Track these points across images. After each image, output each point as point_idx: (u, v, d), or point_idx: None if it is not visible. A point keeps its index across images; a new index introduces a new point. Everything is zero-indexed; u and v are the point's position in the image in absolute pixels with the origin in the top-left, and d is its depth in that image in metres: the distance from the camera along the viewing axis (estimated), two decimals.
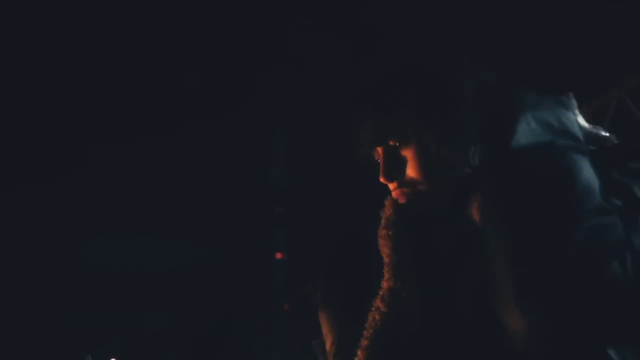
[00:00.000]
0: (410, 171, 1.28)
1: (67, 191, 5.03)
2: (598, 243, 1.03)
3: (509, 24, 3.26)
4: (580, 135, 1.13)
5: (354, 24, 4.36)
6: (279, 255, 5.63)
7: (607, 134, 1.32)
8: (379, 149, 1.32)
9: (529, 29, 3.32)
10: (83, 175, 5.05)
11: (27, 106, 4.81)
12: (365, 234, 1.39)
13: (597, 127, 1.33)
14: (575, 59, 3.24)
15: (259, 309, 5.58)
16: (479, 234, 1.14)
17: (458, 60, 1.31)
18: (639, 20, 3.13)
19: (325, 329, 1.40)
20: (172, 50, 4.74)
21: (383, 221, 1.32)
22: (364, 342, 1.27)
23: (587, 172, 1.08)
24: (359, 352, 1.27)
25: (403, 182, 1.28)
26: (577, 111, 1.19)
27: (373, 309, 1.28)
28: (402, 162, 1.28)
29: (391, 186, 1.30)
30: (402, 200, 1.30)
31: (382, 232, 1.31)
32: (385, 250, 1.29)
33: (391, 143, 1.29)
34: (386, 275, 1.28)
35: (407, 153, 1.28)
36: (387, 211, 1.32)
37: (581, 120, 1.20)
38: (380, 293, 1.28)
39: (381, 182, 1.33)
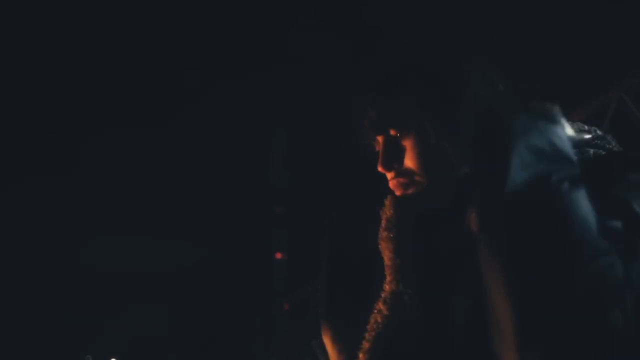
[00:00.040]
0: (409, 162, 1.29)
1: (67, 191, 5.03)
2: (597, 289, 1.03)
3: (509, 24, 3.26)
4: (572, 155, 1.12)
5: (354, 24, 4.36)
6: (279, 255, 5.63)
7: (600, 136, 1.31)
8: (379, 138, 1.33)
9: (529, 29, 3.32)
10: (83, 176, 5.05)
11: (26, 105, 4.80)
12: (366, 234, 1.39)
13: (592, 128, 1.33)
14: (575, 59, 3.24)
15: (259, 309, 5.58)
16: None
17: (459, 58, 1.31)
18: (639, 20, 3.13)
19: (327, 338, 1.39)
20: (171, 50, 4.74)
21: (384, 222, 1.32)
22: (366, 345, 1.27)
23: (584, 205, 1.07)
24: (361, 355, 1.27)
25: (401, 172, 1.29)
26: (564, 122, 1.18)
27: (375, 311, 1.28)
28: (401, 152, 1.29)
29: (389, 176, 1.31)
30: (398, 191, 1.31)
31: (382, 234, 1.31)
32: (386, 252, 1.29)
33: (392, 133, 1.30)
34: (388, 278, 1.28)
35: (407, 143, 1.29)
36: (387, 211, 1.32)
37: (569, 131, 1.19)
38: (382, 295, 1.28)
39: (381, 181, 1.33)
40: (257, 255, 5.59)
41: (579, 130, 1.30)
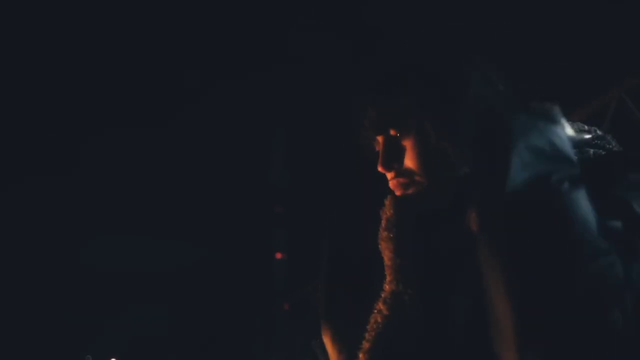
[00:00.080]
0: (409, 162, 1.29)
1: (67, 191, 5.03)
2: (597, 289, 1.02)
3: (509, 24, 3.26)
4: (572, 155, 1.12)
5: (354, 24, 4.36)
6: (279, 255, 5.63)
7: (600, 136, 1.31)
8: (379, 138, 1.33)
9: (528, 29, 3.32)
10: (83, 176, 5.05)
11: (26, 105, 4.80)
12: (366, 234, 1.39)
13: (592, 128, 1.33)
14: (575, 59, 3.24)
15: (259, 309, 5.58)
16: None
17: (459, 58, 1.31)
18: (639, 20, 3.13)
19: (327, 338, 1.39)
20: (171, 50, 4.74)
21: (384, 222, 1.32)
22: (366, 345, 1.27)
23: (584, 205, 1.06)
24: (360, 355, 1.27)
25: (401, 172, 1.29)
26: (564, 122, 1.18)
27: (375, 311, 1.28)
28: (401, 152, 1.29)
29: (389, 176, 1.31)
30: (398, 191, 1.31)
31: (382, 234, 1.31)
32: (386, 252, 1.29)
33: (392, 132, 1.31)
34: (388, 278, 1.28)
35: (407, 143, 1.29)
36: (387, 211, 1.32)
37: (569, 131, 1.19)
38: (382, 295, 1.28)
39: (381, 181, 1.33)
40: (257, 255, 5.59)
41: (579, 130, 1.30)
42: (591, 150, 1.26)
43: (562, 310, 1.02)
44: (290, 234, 5.61)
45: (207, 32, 4.72)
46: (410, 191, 1.29)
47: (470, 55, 1.31)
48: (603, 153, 1.26)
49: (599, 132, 1.32)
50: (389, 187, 1.32)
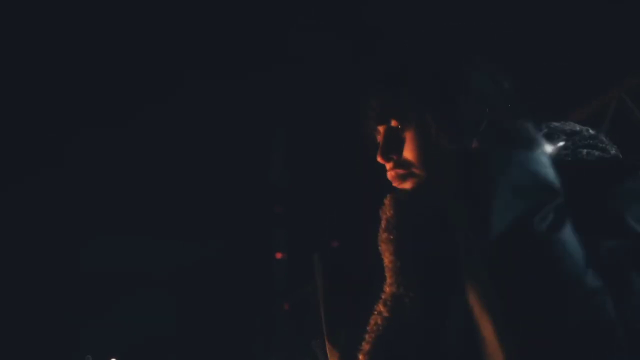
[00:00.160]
0: (408, 154, 1.29)
1: (67, 191, 5.03)
2: (590, 333, 1.00)
3: (509, 23, 3.26)
4: (555, 181, 1.08)
5: (354, 24, 4.36)
6: (279, 255, 5.63)
7: (593, 135, 1.31)
8: (381, 128, 1.33)
9: (528, 29, 3.32)
10: (83, 176, 5.05)
11: (25, 105, 4.80)
12: (366, 234, 1.39)
13: (585, 127, 1.33)
14: (575, 59, 3.24)
15: (259, 309, 5.58)
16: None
17: (459, 56, 1.32)
18: (639, 20, 3.13)
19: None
20: (172, 50, 4.74)
21: (383, 223, 1.31)
22: (366, 346, 1.27)
23: (570, 241, 1.03)
24: (360, 356, 1.27)
25: (399, 163, 1.30)
26: (543, 140, 1.15)
27: (375, 312, 1.28)
28: (401, 143, 1.30)
29: (387, 166, 1.32)
30: (395, 182, 1.31)
31: (382, 235, 1.30)
32: (386, 254, 1.29)
33: (393, 123, 1.31)
34: (389, 280, 1.28)
35: (408, 135, 1.29)
36: (387, 212, 1.32)
37: (549, 148, 1.16)
38: (383, 297, 1.28)
39: (381, 178, 1.33)
40: (257, 255, 5.59)
41: (571, 132, 1.29)
42: (584, 151, 1.26)
43: (555, 356, 1.00)
44: (290, 234, 5.61)
45: (207, 32, 4.72)
46: (407, 183, 1.30)
47: (471, 54, 1.31)
48: (597, 153, 1.26)
49: (591, 131, 1.31)
50: (388, 188, 1.32)
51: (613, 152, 1.30)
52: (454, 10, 3.31)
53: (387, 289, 1.27)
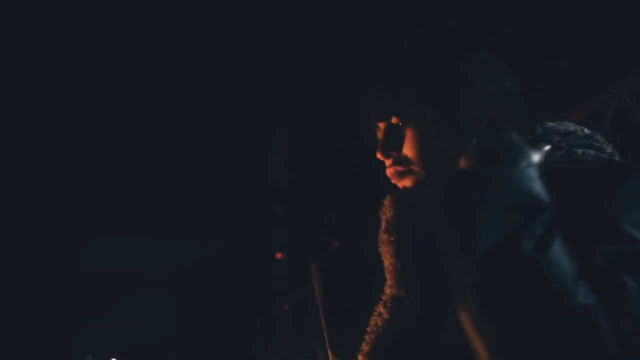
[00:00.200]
0: (407, 151, 1.29)
1: (67, 191, 5.03)
2: (581, 351, 0.99)
3: (509, 23, 3.26)
4: (542, 194, 1.06)
5: (354, 24, 4.36)
6: (279, 255, 5.63)
7: (588, 135, 1.30)
8: (381, 125, 1.34)
9: (528, 29, 3.32)
10: (84, 176, 5.05)
11: (25, 105, 4.81)
12: (365, 235, 1.39)
13: (580, 127, 1.32)
14: (575, 59, 3.24)
15: (259, 309, 5.58)
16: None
17: (460, 56, 1.31)
18: (639, 20, 3.13)
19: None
20: (171, 50, 4.74)
21: (383, 224, 1.31)
22: (365, 347, 1.27)
23: (559, 257, 1.01)
24: (360, 357, 1.27)
25: (398, 160, 1.30)
26: (528, 149, 1.12)
27: (375, 314, 1.28)
28: (401, 140, 1.30)
29: (386, 163, 1.32)
30: (394, 179, 1.31)
31: (383, 237, 1.30)
32: (387, 256, 1.29)
33: (394, 120, 1.31)
34: (389, 282, 1.28)
35: (408, 133, 1.29)
36: (387, 213, 1.32)
37: (537, 157, 1.12)
38: (383, 299, 1.28)
39: (381, 181, 1.33)
40: (257, 255, 5.59)
41: (566, 132, 1.29)
42: (579, 151, 1.25)
43: None
44: (290, 234, 5.61)
45: (207, 31, 4.72)
46: (406, 180, 1.29)
47: (472, 53, 1.31)
48: (592, 152, 1.25)
49: (586, 131, 1.31)
50: (388, 188, 1.32)
51: (609, 150, 1.29)
52: (454, 10, 3.31)
53: (387, 290, 1.27)
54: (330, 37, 4.54)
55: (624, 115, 3.10)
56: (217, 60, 4.78)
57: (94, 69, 4.73)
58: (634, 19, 3.15)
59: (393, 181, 1.32)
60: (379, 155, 1.32)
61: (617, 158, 1.29)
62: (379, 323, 1.26)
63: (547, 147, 1.19)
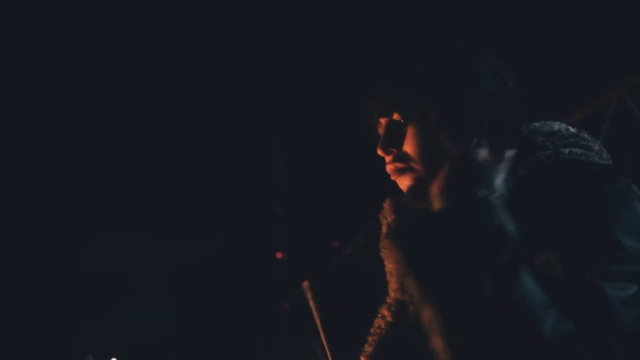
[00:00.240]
0: (408, 147, 1.29)
1: (67, 191, 5.03)
2: None
3: (509, 23, 3.26)
4: (509, 228, 1.03)
5: (354, 24, 4.36)
6: (279, 255, 5.63)
7: (574, 134, 1.29)
8: (383, 121, 1.34)
9: (528, 29, 3.32)
10: (84, 176, 5.05)
11: (24, 105, 4.80)
12: (366, 237, 1.39)
13: (564, 125, 1.31)
14: (575, 59, 3.24)
15: (259, 309, 5.57)
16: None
17: (461, 56, 1.31)
18: (639, 20, 3.13)
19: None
20: (171, 50, 4.74)
21: (384, 228, 1.31)
22: (368, 349, 1.27)
23: (526, 290, 1.00)
24: (362, 359, 1.27)
25: (398, 156, 1.29)
26: (496, 178, 1.10)
27: (379, 316, 1.28)
28: (402, 137, 1.30)
29: (387, 159, 1.32)
30: (393, 176, 1.31)
31: (384, 241, 1.30)
32: (389, 261, 1.28)
33: (395, 117, 1.31)
34: (393, 286, 1.27)
35: (409, 130, 1.29)
36: (387, 216, 1.31)
37: (500, 178, 1.10)
38: (387, 302, 1.27)
39: (381, 182, 1.33)
40: (257, 255, 5.59)
41: (549, 132, 1.28)
42: (566, 150, 1.24)
43: None
44: (290, 234, 5.61)
45: (207, 31, 4.71)
46: (405, 177, 1.29)
47: (475, 52, 1.31)
48: (579, 151, 1.24)
49: (571, 129, 1.30)
50: (388, 188, 1.32)
51: (597, 148, 1.27)
52: (454, 10, 3.31)
53: (392, 294, 1.27)
54: (330, 37, 4.54)
55: (624, 115, 3.10)
56: (217, 60, 4.78)
57: (94, 69, 4.73)
58: (634, 19, 3.15)
59: (393, 178, 1.32)
60: (379, 151, 1.32)
61: (605, 155, 1.28)
62: (382, 326, 1.26)
63: (538, 143, 1.19)
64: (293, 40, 4.93)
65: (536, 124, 1.31)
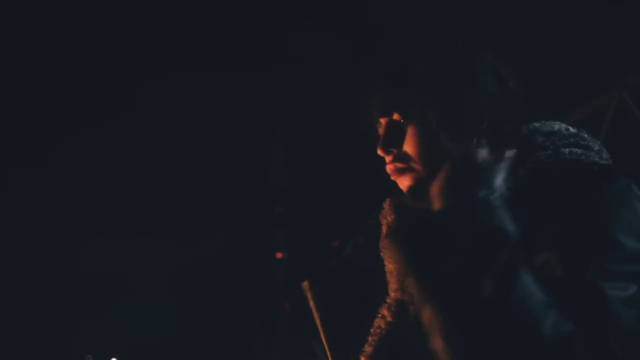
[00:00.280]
0: (408, 148, 1.29)
1: (67, 191, 5.03)
2: None
3: (509, 23, 3.26)
4: (506, 225, 1.03)
5: (354, 24, 4.36)
6: (279, 255, 5.63)
7: (574, 134, 1.29)
8: (383, 121, 1.33)
9: (528, 29, 3.32)
10: (84, 176, 5.05)
11: (24, 105, 4.81)
12: (366, 237, 1.39)
13: (564, 125, 1.31)
14: (575, 59, 3.24)
15: (259, 309, 5.57)
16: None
17: (462, 55, 1.31)
18: (639, 20, 3.13)
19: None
20: (171, 51, 4.74)
21: (384, 228, 1.31)
22: (368, 349, 1.27)
23: (526, 289, 1.00)
24: (362, 358, 1.27)
25: (398, 156, 1.29)
26: (495, 180, 1.10)
27: (379, 316, 1.28)
28: (402, 137, 1.30)
29: (387, 159, 1.32)
30: (393, 176, 1.31)
31: (384, 241, 1.30)
32: (390, 261, 1.28)
33: (395, 117, 1.31)
34: (394, 286, 1.27)
35: (409, 130, 1.29)
36: (387, 216, 1.31)
37: (499, 179, 1.10)
38: (387, 302, 1.27)
39: (381, 182, 1.33)
40: (257, 255, 5.59)
41: (549, 132, 1.28)
42: (566, 150, 1.24)
43: None
44: (290, 234, 5.61)
45: (207, 31, 4.71)
46: (405, 177, 1.29)
47: (475, 52, 1.31)
48: (579, 151, 1.24)
49: (571, 129, 1.30)
50: (388, 188, 1.32)
51: (597, 147, 1.27)
52: (454, 10, 3.31)
53: (392, 294, 1.27)
54: (330, 37, 4.54)
55: (624, 115, 3.10)
56: (217, 60, 4.78)
57: (93, 68, 4.73)
58: (634, 19, 3.15)
59: (392, 177, 1.32)
60: (379, 151, 1.32)
61: (605, 154, 1.28)
62: (382, 326, 1.26)
63: (538, 144, 1.19)
64: (293, 40, 4.93)
65: (536, 124, 1.30)
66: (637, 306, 1.01)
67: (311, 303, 1.38)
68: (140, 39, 4.67)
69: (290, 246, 5.61)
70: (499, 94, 1.26)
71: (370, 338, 1.26)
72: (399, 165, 1.29)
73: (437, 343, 1.02)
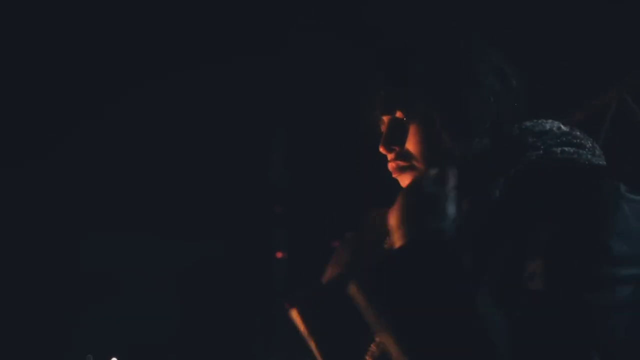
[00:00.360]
0: (410, 146, 1.28)
1: (67, 191, 5.03)
2: None
3: (509, 23, 3.26)
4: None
5: (354, 24, 4.36)
6: (279, 255, 5.63)
7: (566, 132, 1.28)
8: (385, 119, 1.33)
9: (528, 29, 3.32)
10: (84, 176, 5.05)
11: (24, 105, 4.80)
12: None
13: (556, 123, 1.31)
14: (575, 59, 3.24)
15: (259, 309, 5.57)
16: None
17: (463, 55, 1.30)
18: (639, 20, 3.13)
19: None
20: (171, 50, 4.74)
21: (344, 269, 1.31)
22: (373, 347, 1.26)
23: (488, 317, 1.02)
24: (367, 359, 1.26)
25: (400, 154, 1.29)
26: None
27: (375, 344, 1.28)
28: (404, 135, 1.29)
29: (388, 157, 1.31)
30: (395, 174, 1.31)
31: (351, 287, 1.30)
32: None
33: (398, 115, 1.31)
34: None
35: (412, 128, 1.28)
36: (343, 255, 1.32)
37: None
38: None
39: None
40: (257, 255, 5.59)
41: (540, 132, 1.27)
42: (558, 149, 1.23)
43: None
44: (290, 234, 5.61)
45: (207, 31, 4.71)
46: (406, 175, 1.29)
47: (479, 51, 1.30)
48: (571, 150, 1.23)
49: (563, 127, 1.29)
50: (388, 188, 1.32)
51: (589, 145, 1.26)
52: (454, 10, 3.31)
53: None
54: (330, 37, 4.54)
55: (624, 115, 3.10)
56: (216, 60, 4.78)
57: (92, 66, 4.73)
58: (634, 19, 3.15)
59: (394, 176, 1.32)
60: (381, 149, 1.31)
61: (597, 151, 1.27)
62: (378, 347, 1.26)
63: (529, 144, 1.18)
64: (293, 40, 4.93)
65: (528, 124, 1.30)
66: (627, 310, 1.00)
67: (303, 330, 1.37)
68: (139, 39, 4.66)
69: (290, 246, 5.61)
70: (502, 93, 1.26)
71: (377, 337, 1.26)
72: (401, 163, 1.29)
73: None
